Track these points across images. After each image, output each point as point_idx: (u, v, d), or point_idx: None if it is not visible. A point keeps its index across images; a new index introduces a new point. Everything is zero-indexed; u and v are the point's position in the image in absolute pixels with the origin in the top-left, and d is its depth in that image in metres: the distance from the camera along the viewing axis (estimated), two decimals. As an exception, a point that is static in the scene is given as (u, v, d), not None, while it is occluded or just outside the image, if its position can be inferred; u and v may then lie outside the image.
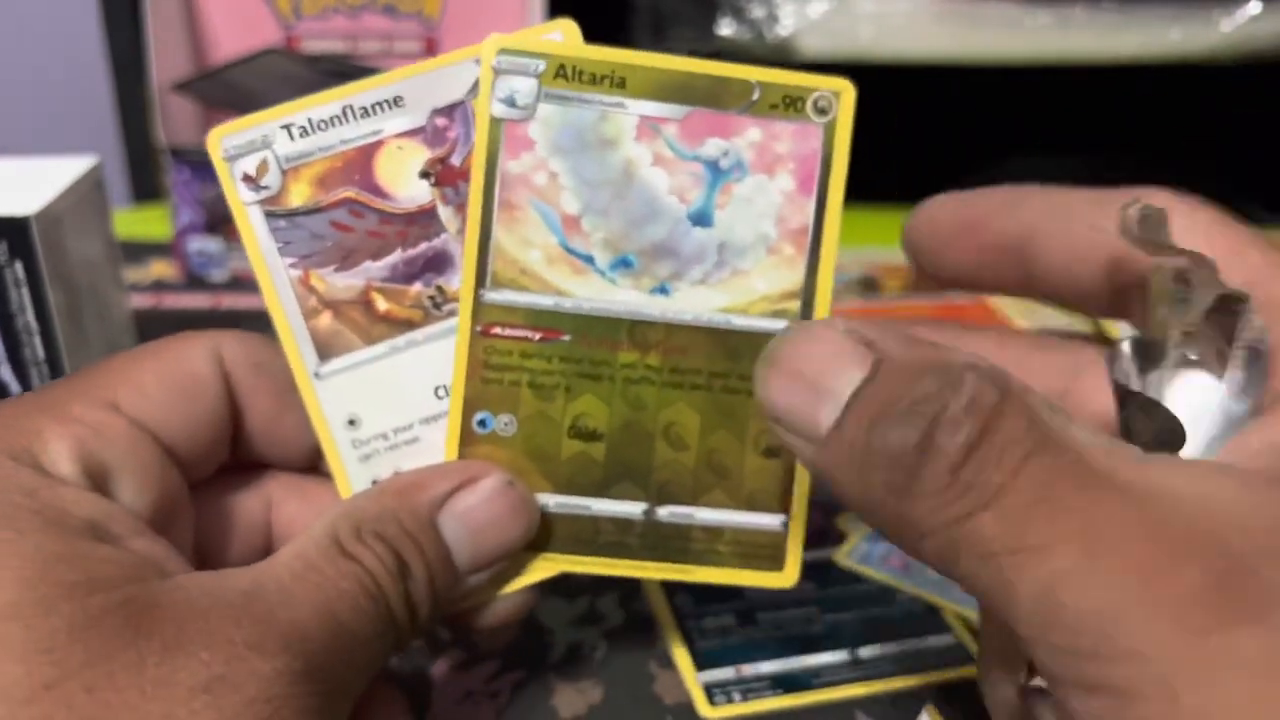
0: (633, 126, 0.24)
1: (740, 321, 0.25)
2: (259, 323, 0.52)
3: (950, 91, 0.69)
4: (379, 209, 0.25)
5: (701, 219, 0.25)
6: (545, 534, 0.25)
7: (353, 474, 0.25)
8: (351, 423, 0.25)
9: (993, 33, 0.63)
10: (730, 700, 0.29)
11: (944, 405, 0.17)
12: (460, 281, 0.25)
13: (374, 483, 0.25)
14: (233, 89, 0.56)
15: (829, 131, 0.25)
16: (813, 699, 0.29)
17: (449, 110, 0.25)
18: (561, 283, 0.25)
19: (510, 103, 0.24)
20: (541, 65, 0.24)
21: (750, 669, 0.30)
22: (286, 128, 0.24)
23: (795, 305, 0.25)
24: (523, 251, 0.25)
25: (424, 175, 0.25)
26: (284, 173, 0.24)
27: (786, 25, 0.62)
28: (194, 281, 0.57)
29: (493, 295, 0.25)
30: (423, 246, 0.25)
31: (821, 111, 0.25)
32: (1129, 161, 0.79)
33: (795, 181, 0.25)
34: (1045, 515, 0.16)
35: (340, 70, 0.56)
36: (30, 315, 0.36)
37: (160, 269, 0.59)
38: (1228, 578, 0.16)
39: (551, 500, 0.25)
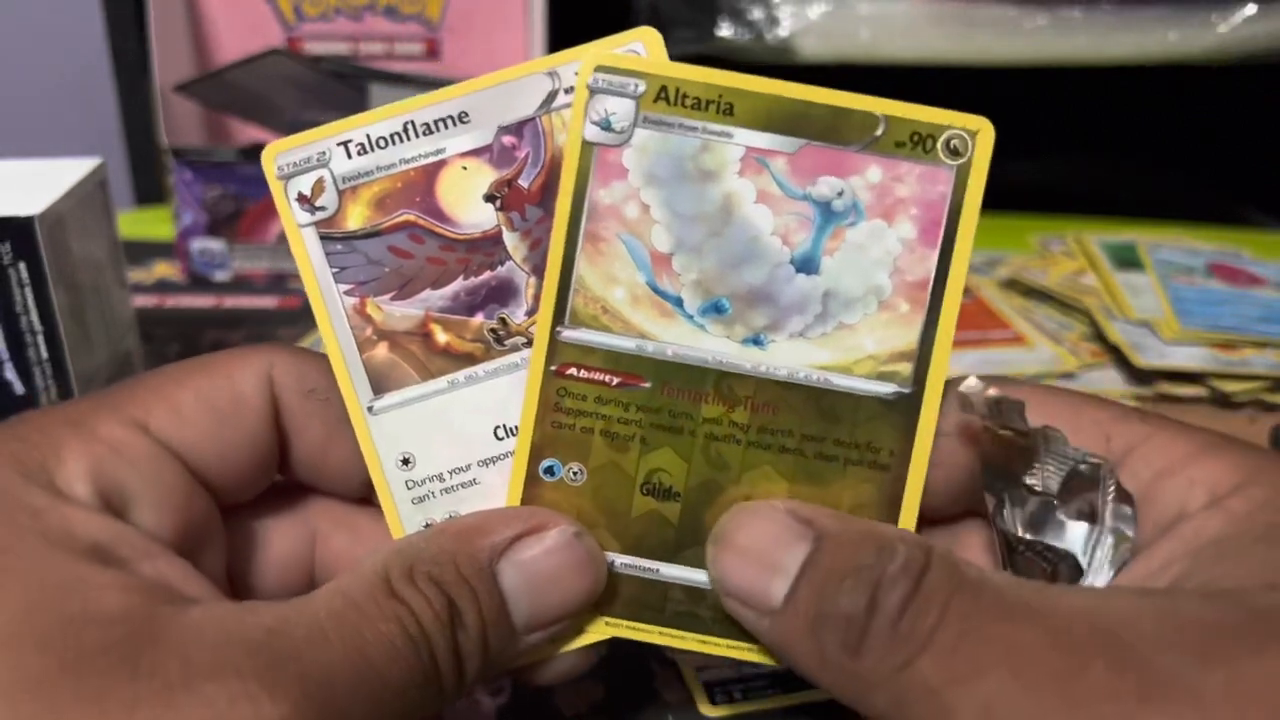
0: (737, 159, 0.22)
1: (841, 381, 0.23)
2: (261, 323, 0.53)
3: (948, 93, 0.69)
4: (441, 234, 0.23)
5: (806, 265, 0.23)
6: (609, 595, 0.23)
7: (405, 516, 0.24)
8: (405, 462, 0.24)
9: (990, 34, 0.63)
10: (731, 699, 0.29)
11: (883, 570, 0.19)
12: (527, 315, 0.23)
13: (427, 526, 0.24)
14: (235, 90, 0.57)
15: (961, 175, 0.22)
16: (813, 697, 0.29)
17: (518, 127, 0.23)
18: (646, 325, 0.23)
19: (605, 125, 0.22)
20: (641, 86, 0.22)
21: (750, 668, 0.30)
22: (345, 144, 0.23)
23: (907, 369, 0.23)
24: (606, 288, 0.23)
25: (489, 198, 0.23)
26: (341, 193, 0.23)
27: (785, 27, 0.63)
28: (197, 282, 0.57)
29: (570, 334, 0.23)
30: (486, 275, 0.23)
31: (954, 153, 0.22)
32: (1127, 163, 0.79)
33: (917, 230, 0.22)
34: (973, 647, 0.18)
35: (342, 71, 0.57)
36: (34, 315, 0.36)
37: (163, 269, 0.59)
38: (1125, 668, 0.17)
39: (618, 560, 0.23)
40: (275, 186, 0.23)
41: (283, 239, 0.57)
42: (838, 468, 0.23)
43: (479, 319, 0.24)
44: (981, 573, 0.20)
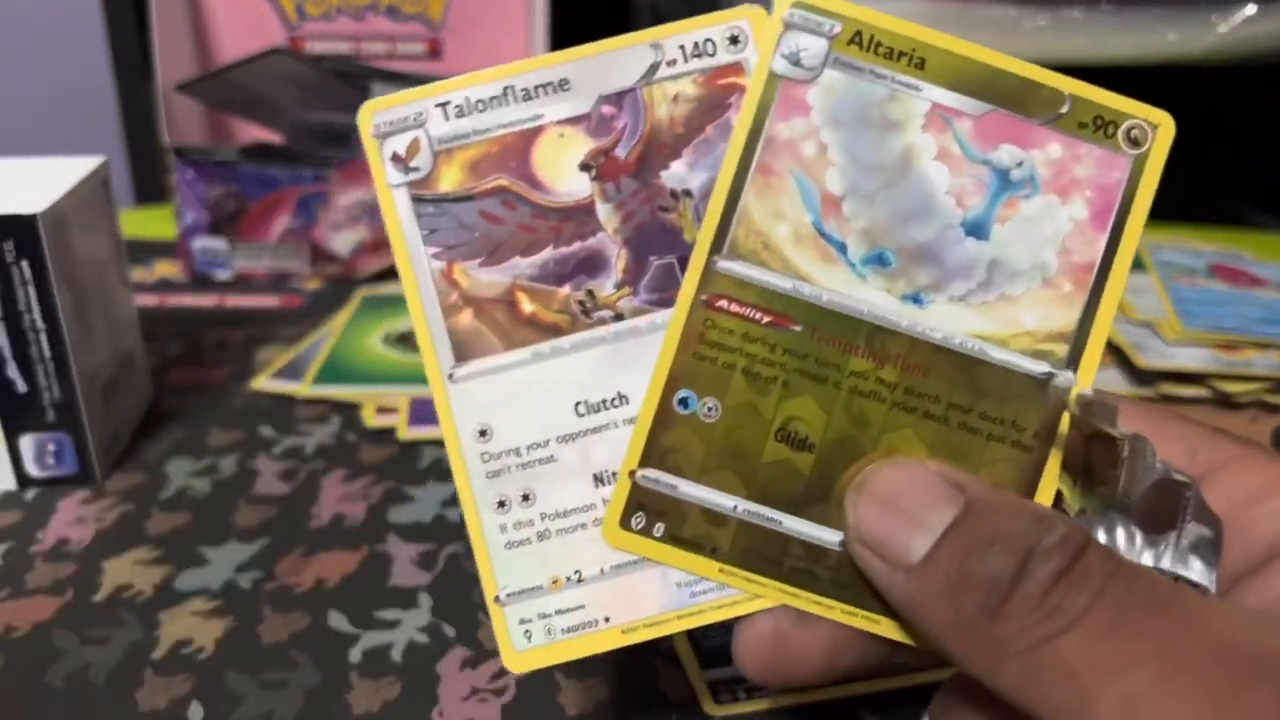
0: (923, 113, 0.22)
1: (996, 354, 0.22)
2: (263, 322, 0.52)
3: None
4: (533, 201, 0.23)
5: (977, 230, 0.22)
6: (725, 541, 0.22)
7: (478, 490, 0.23)
8: (483, 433, 0.23)
9: (990, 34, 0.63)
10: (735, 698, 0.29)
11: (1038, 540, 0.19)
12: (615, 288, 0.23)
13: (500, 503, 0.23)
14: (237, 89, 0.57)
15: (1138, 165, 0.22)
16: (817, 697, 0.29)
17: (617, 97, 0.23)
18: (805, 267, 0.22)
19: (794, 60, 0.22)
20: (837, 27, 0.22)
21: (754, 666, 0.30)
22: (443, 106, 0.22)
23: (1062, 349, 0.22)
24: (770, 223, 0.22)
25: (584, 167, 0.23)
26: (436, 155, 0.23)
27: (787, 27, 0.63)
28: (198, 280, 0.57)
29: (727, 264, 0.22)
30: (576, 245, 0.23)
31: (1134, 142, 0.22)
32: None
33: (1089, 212, 0.22)
34: (1123, 638, 0.17)
35: (344, 70, 0.57)
36: (37, 313, 0.36)
37: (165, 268, 0.59)
38: None
39: (740, 505, 0.22)
40: (370, 145, 0.23)
41: (284, 237, 0.57)
42: (980, 441, 0.22)
43: (566, 290, 0.23)
44: (1141, 566, 0.19)
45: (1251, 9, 0.61)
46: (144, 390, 0.44)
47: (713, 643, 0.31)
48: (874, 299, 0.22)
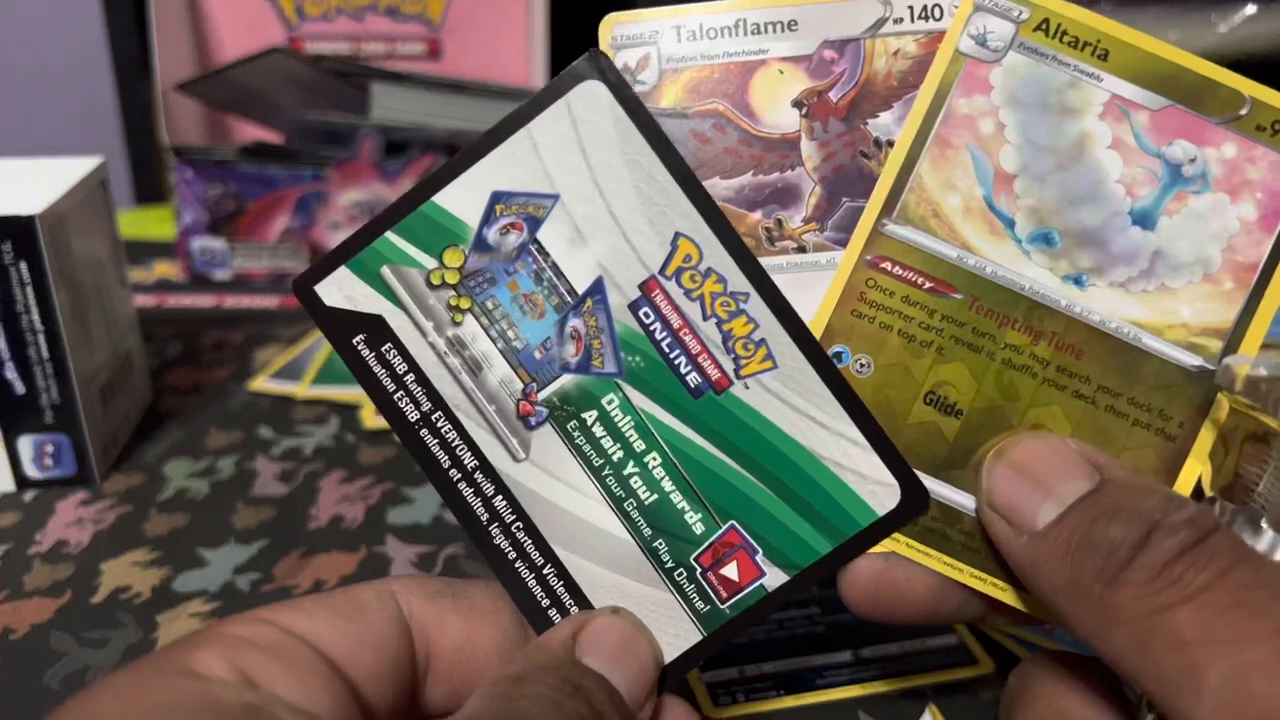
0: (1101, 102, 0.23)
1: (1150, 342, 0.23)
2: (261, 322, 0.52)
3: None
4: (743, 127, 0.24)
5: (1144, 220, 0.23)
6: None
7: None
8: None
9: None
10: (734, 700, 0.29)
11: (1165, 515, 0.19)
12: (804, 221, 0.24)
13: None
14: (236, 89, 0.57)
15: None
16: (815, 699, 0.29)
17: (841, 44, 0.24)
18: (972, 238, 0.23)
19: (980, 41, 0.23)
20: (1025, 14, 0.23)
21: (753, 669, 0.30)
22: (677, 28, 0.24)
23: (1216, 345, 0.23)
24: (942, 194, 0.23)
25: (797, 105, 0.24)
26: (662, 72, 0.24)
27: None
28: (198, 281, 0.57)
29: (895, 228, 0.23)
30: (774, 176, 0.24)
31: None
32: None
33: (1258, 214, 0.23)
34: (1243, 615, 0.18)
35: (343, 70, 0.57)
36: (35, 314, 0.36)
37: (163, 269, 0.59)
38: None
39: None
40: (606, 53, 0.24)
41: (283, 237, 0.57)
42: (1125, 426, 0.23)
43: (757, 215, 0.24)
44: (1268, 558, 0.19)
45: (1251, 9, 0.61)
46: (142, 391, 0.44)
47: (712, 645, 0.31)
48: (1036, 276, 0.23)
